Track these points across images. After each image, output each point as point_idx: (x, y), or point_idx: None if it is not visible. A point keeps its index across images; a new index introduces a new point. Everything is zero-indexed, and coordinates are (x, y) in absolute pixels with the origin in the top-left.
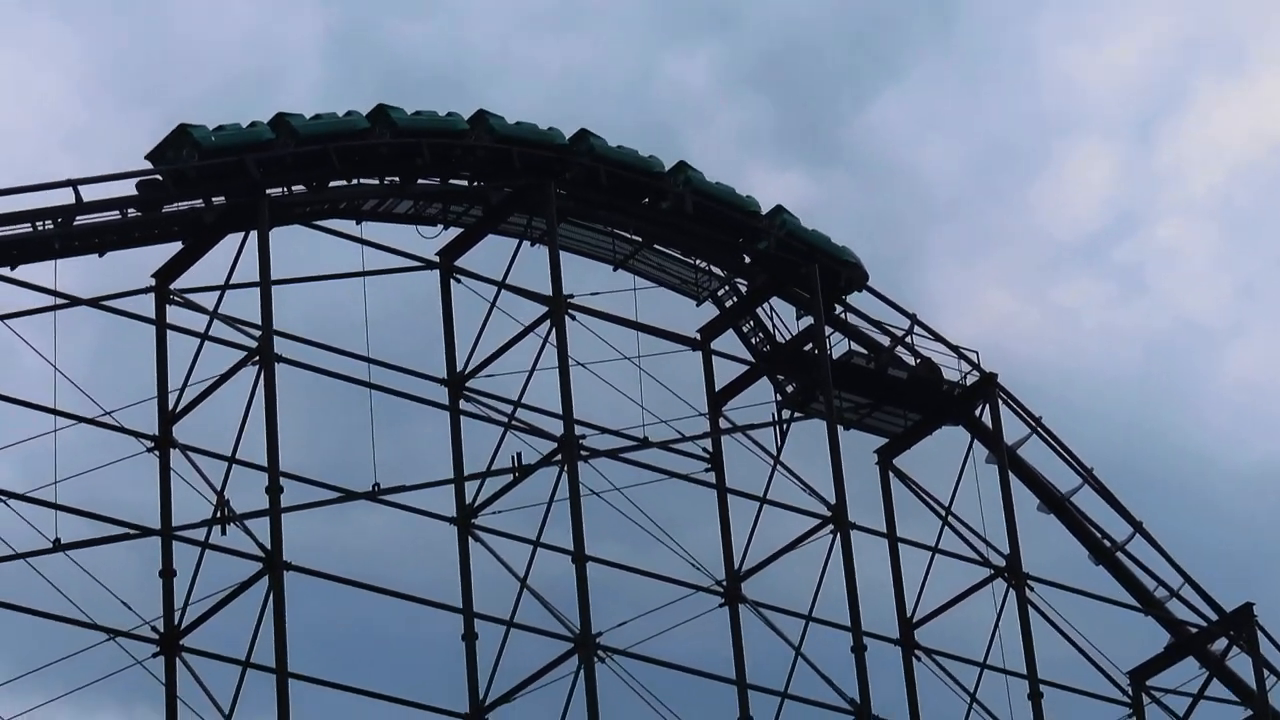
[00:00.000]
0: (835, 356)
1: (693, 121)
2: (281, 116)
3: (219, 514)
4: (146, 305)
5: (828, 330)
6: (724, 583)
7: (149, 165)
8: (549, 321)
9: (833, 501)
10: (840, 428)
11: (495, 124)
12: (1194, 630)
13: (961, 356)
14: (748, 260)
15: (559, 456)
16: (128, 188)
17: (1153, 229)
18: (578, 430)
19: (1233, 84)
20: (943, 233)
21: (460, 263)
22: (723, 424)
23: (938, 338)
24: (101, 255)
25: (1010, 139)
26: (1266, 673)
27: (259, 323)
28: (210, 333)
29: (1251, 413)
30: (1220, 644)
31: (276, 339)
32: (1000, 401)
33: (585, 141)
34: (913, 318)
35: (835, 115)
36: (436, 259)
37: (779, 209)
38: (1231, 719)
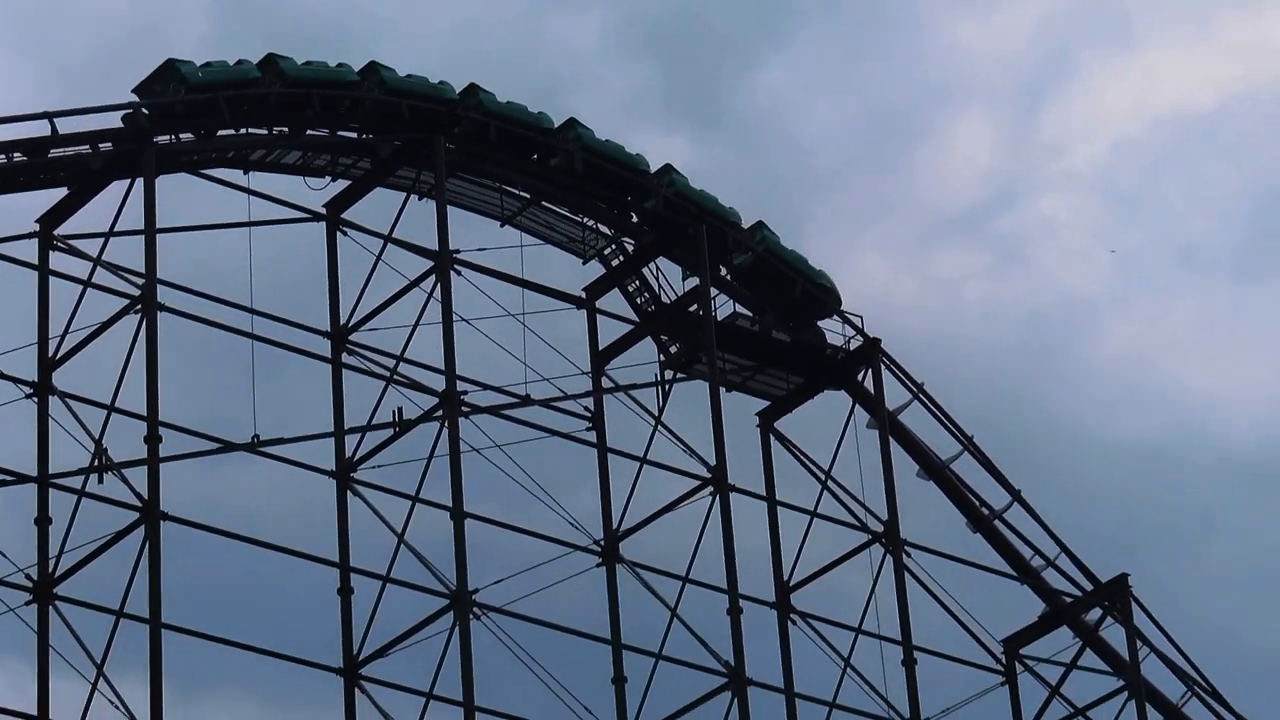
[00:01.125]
0: (719, 318)
1: (579, 83)
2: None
3: (97, 462)
4: (30, 251)
5: (713, 292)
6: (602, 542)
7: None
8: (434, 276)
9: (713, 463)
10: (722, 389)
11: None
12: (1069, 600)
13: (845, 321)
14: (635, 219)
15: (440, 412)
16: (9, 133)
17: (1034, 201)
18: (460, 386)
19: (1118, 58)
20: (825, 200)
21: (347, 215)
22: (605, 383)
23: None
24: None
25: (895, 108)
26: (1139, 644)
27: (143, 270)
28: (93, 280)
29: (1128, 387)
30: (1094, 614)
31: (160, 287)
32: (883, 367)
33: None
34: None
35: (721, 80)
36: (323, 211)
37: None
38: (1103, 689)
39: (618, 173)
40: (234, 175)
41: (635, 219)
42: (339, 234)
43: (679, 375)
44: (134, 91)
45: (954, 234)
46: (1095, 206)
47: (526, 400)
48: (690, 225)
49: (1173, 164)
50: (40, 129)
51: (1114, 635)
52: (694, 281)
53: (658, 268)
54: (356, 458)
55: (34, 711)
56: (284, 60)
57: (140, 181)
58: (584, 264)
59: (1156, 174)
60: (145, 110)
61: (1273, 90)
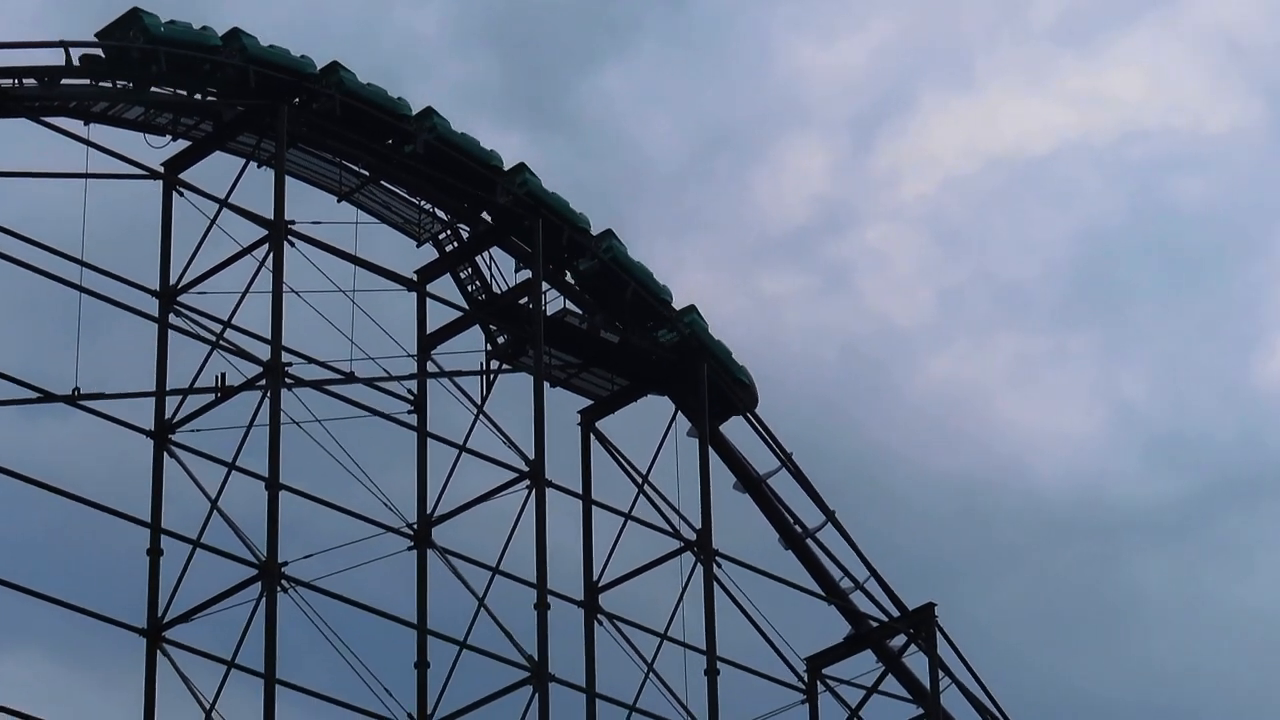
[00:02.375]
0: (549, 313)
1: (419, 72)
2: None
3: None
4: None
5: (545, 286)
6: (415, 526)
7: None
8: (268, 245)
9: (531, 457)
10: (546, 384)
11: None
12: (875, 624)
13: (673, 328)
14: (486, 216)
15: (263, 382)
16: None
17: (862, 230)
18: (285, 358)
19: (957, 97)
20: (656, 210)
21: (185, 176)
22: (430, 368)
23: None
24: None
25: (732, 125)
26: (941, 674)
27: None
28: None
29: (943, 421)
30: (899, 640)
31: None
32: (707, 376)
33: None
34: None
35: (561, 80)
36: (161, 170)
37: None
38: (903, 715)
39: (471, 167)
40: (75, 126)
41: (486, 216)
42: (175, 194)
43: (504, 366)
44: (96, 35)
45: (782, 255)
46: (922, 240)
47: (350, 377)
48: (527, 218)
49: (1002, 205)
50: None
51: (917, 663)
52: (526, 274)
53: (491, 257)
54: (176, 420)
55: None
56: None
57: None
58: (418, 247)
59: (985, 214)
60: None
61: (1106, 139)
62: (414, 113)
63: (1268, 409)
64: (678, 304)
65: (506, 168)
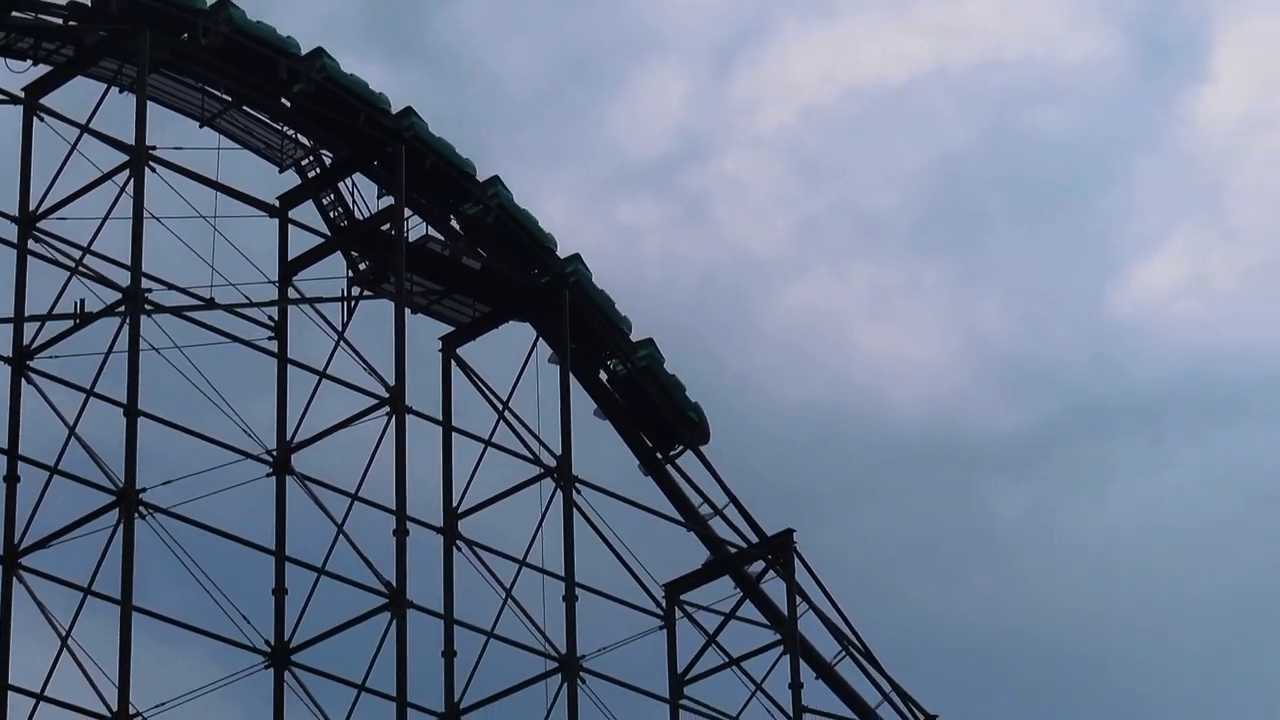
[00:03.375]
0: (411, 240)
1: (279, 1)
2: None
3: None
4: None
5: (406, 213)
6: (274, 453)
7: None
8: (128, 171)
9: (392, 384)
10: (408, 311)
11: None
12: (733, 550)
13: (534, 256)
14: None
15: (123, 308)
16: None
17: (721, 160)
18: (145, 284)
19: (816, 26)
20: (514, 139)
21: (46, 101)
22: (291, 294)
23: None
24: None
25: (590, 54)
26: (799, 600)
27: None
28: None
29: (800, 350)
30: (757, 567)
31: None
32: (568, 303)
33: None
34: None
35: (419, 10)
36: (21, 95)
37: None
38: (760, 641)
39: (359, 108)
40: None
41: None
42: (35, 119)
43: (365, 293)
44: None
45: (640, 185)
46: (780, 170)
47: (210, 304)
48: (389, 144)
49: (860, 135)
50: None
51: (775, 589)
52: (389, 201)
53: (354, 184)
54: (34, 346)
55: None
56: None
57: None
58: (280, 173)
59: (843, 143)
60: None
61: (963, 69)
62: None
63: (1121, 338)
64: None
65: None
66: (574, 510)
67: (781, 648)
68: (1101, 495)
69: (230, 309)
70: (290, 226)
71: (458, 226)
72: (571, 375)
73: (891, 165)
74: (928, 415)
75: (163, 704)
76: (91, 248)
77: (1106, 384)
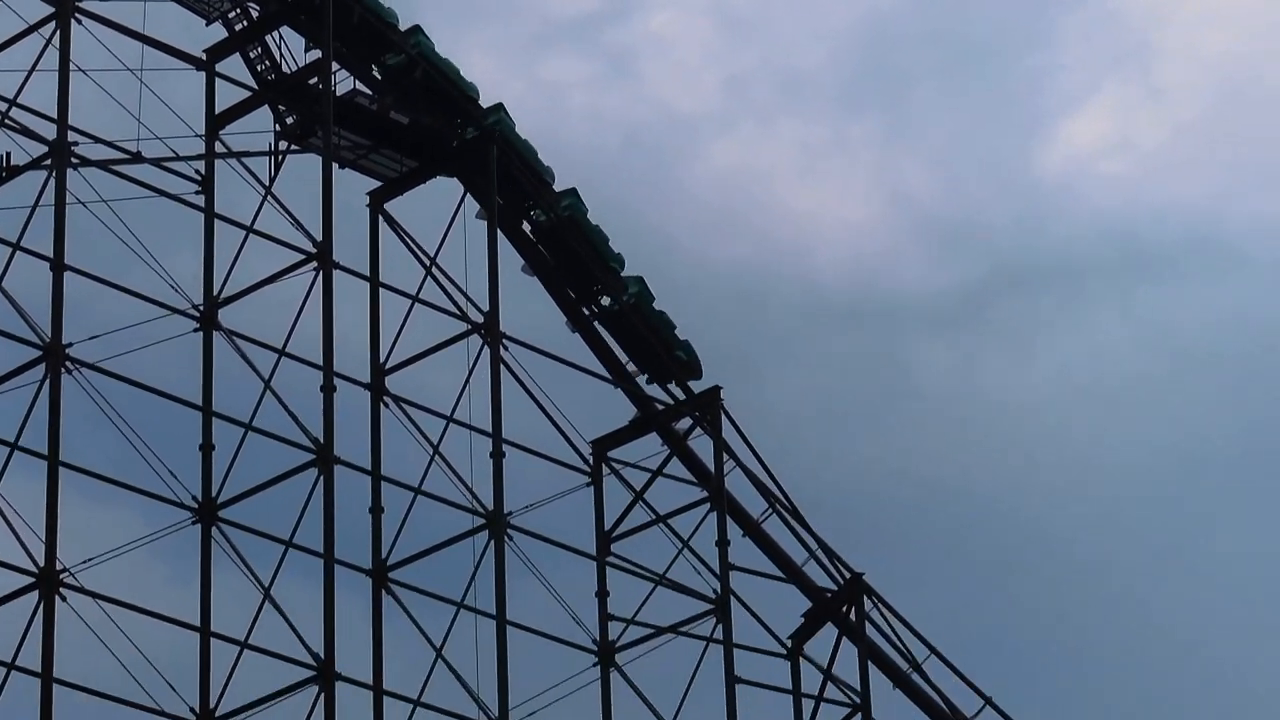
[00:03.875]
0: (339, 94)
1: None
2: None
3: None
4: None
5: (334, 66)
6: (201, 308)
7: None
8: (54, 23)
9: (319, 239)
10: (336, 166)
11: None
12: (660, 408)
13: (458, 106)
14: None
15: (48, 161)
16: None
17: (646, 17)
18: (71, 137)
19: None
20: None
21: None
22: (219, 148)
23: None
24: None
25: None
26: (726, 457)
27: None
28: None
29: (726, 210)
30: (684, 424)
31: None
32: (495, 158)
33: None
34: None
35: None
36: None
37: None
38: (688, 498)
39: None
40: None
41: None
42: None
43: (293, 147)
44: None
45: (564, 40)
46: (706, 27)
47: (137, 157)
48: None
49: None
50: None
51: (702, 446)
52: (316, 54)
53: (281, 37)
54: None
55: None
56: None
57: None
58: (207, 25)
59: (769, 0)
60: None
61: None
62: None
63: (1046, 197)
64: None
65: None
66: (501, 366)
67: (708, 505)
68: (1026, 353)
69: (157, 163)
70: (217, 80)
71: (380, 77)
72: (499, 232)
73: (819, 23)
74: (853, 274)
75: (90, 559)
76: (17, 101)
77: (1032, 243)
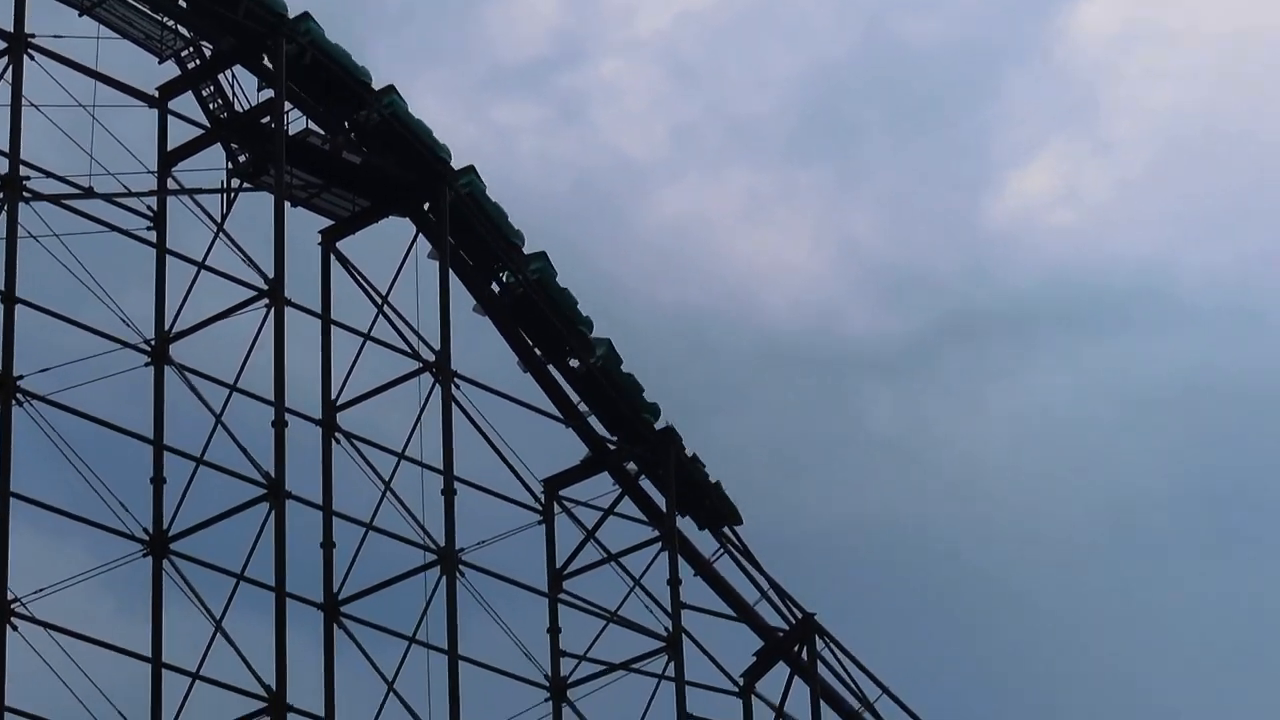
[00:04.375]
0: (291, 132)
1: None
2: None
3: None
4: None
5: (286, 106)
6: (153, 343)
7: None
8: (7, 58)
9: (271, 275)
10: (288, 204)
11: None
12: (612, 448)
13: (414, 156)
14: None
15: (0, 194)
16: None
17: (596, 63)
18: (23, 171)
19: None
20: (388, 39)
21: None
22: (171, 185)
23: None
24: None
25: None
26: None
27: None
28: None
29: (672, 257)
30: (634, 466)
31: None
32: (448, 201)
33: None
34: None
35: None
36: None
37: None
38: (639, 537)
39: (256, 11)
40: None
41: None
42: None
43: (245, 185)
44: None
45: (515, 86)
46: (656, 74)
47: (90, 193)
48: (269, 37)
49: (735, 40)
50: None
51: (653, 486)
52: (269, 93)
53: (234, 76)
54: None
55: None
56: None
57: None
58: (160, 63)
59: (718, 48)
60: None
61: None
62: None
63: (994, 248)
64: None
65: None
66: (453, 404)
67: (660, 544)
68: (975, 402)
69: (109, 198)
70: (170, 118)
71: (354, 136)
72: (451, 272)
73: (767, 71)
74: (801, 320)
75: (42, 590)
76: None
77: (980, 292)
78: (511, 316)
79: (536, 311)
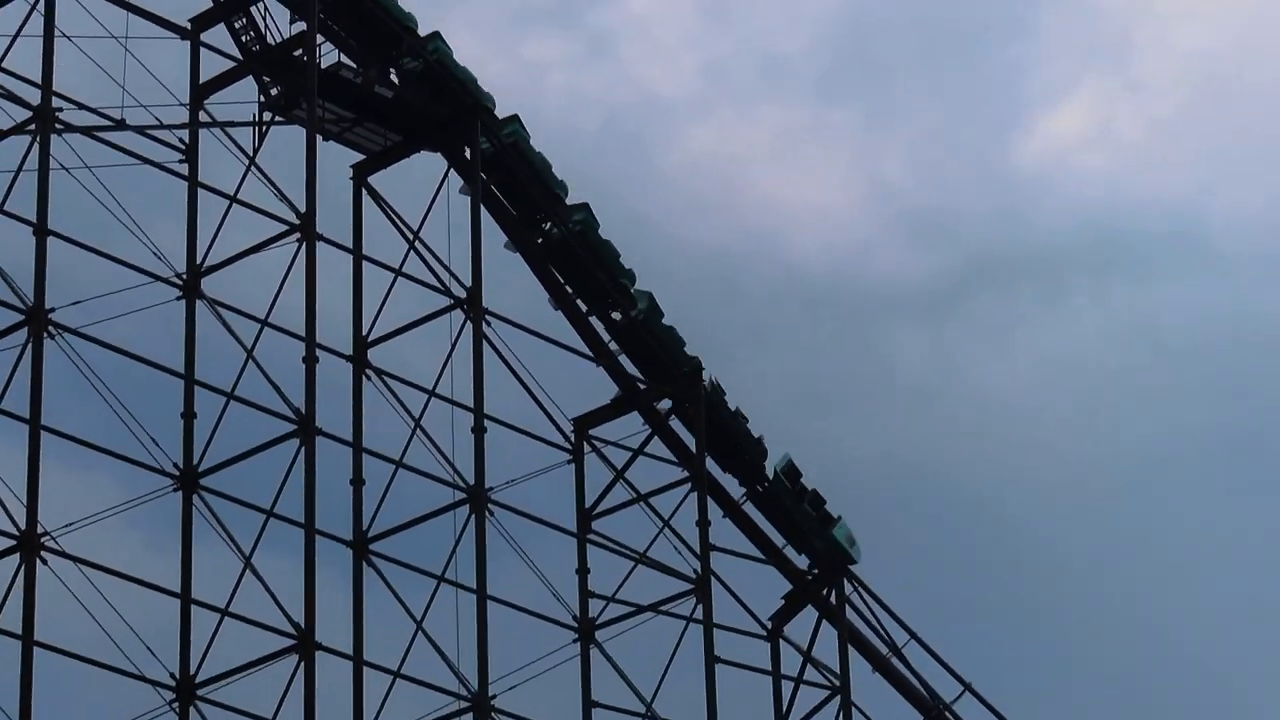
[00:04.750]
0: (323, 66)
1: None
2: None
3: None
4: None
5: (319, 39)
6: (184, 276)
7: None
8: None
9: (303, 210)
10: (319, 138)
11: None
12: (642, 387)
13: (448, 90)
14: None
15: (33, 126)
16: None
17: None
18: (55, 103)
19: None
20: None
21: None
22: (203, 118)
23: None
24: None
25: None
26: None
27: None
28: None
29: (701, 195)
30: (666, 404)
31: None
32: (480, 132)
33: None
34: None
35: None
36: None
37: None
38: (669, 477)
39: None
40: None
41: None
42: None
43: (277, 118)
44: None
45: (545, 20)
46: (686, 10)
47: (121, 125)
48: None
49: None
50: None
51: (683, 426)
52: (301, 26)
53: (266, 7)
54: None
55: None
56: None
57: None
58: None
59: None
60: None
61: None
62: None
63: (1025, 188)
64: None
65: None
66: (483, 342)
67: (689, 485)
68: (1003, 345)
69: (141, 130)
70: (202, 50)
71: (397, 80)
72: (483, 207)
73: (799, 9)
74: (831, 260)
75: (71, 524)
76: (2, 66)
77: (1010, 234)
78: (554, 268)
79: (579, 263)
